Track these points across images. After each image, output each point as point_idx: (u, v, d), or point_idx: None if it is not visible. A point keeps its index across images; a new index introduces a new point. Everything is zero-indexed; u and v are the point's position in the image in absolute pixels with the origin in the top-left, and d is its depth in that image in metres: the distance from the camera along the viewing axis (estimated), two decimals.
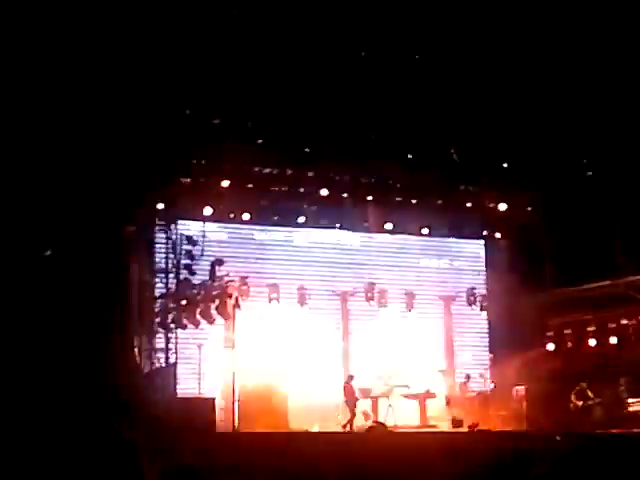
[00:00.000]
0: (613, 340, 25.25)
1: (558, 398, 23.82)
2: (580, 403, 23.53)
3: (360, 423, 22.72)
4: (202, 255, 21.93)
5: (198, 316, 21.94)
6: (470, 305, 26.81)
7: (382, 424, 22.06)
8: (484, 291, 27.15)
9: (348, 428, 22.12)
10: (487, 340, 27.32)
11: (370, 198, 24.65)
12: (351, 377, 23.41)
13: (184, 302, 21.72)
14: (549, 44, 19.56)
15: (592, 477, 10.93)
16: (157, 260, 21.77)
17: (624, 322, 25.50)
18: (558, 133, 22.07)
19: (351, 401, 22.76)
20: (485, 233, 27.39)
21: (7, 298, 17.80)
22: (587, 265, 24.49)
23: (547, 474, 11.48)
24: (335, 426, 22.40)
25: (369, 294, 25.22)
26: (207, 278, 22.31)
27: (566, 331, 25.67)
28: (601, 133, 21.92)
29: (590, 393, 23.83)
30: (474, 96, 20.65)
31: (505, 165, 23.95)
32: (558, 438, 17.59)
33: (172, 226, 21.71)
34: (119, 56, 18.21)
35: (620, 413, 23.22)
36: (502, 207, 25.90)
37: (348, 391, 23.04)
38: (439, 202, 25.36)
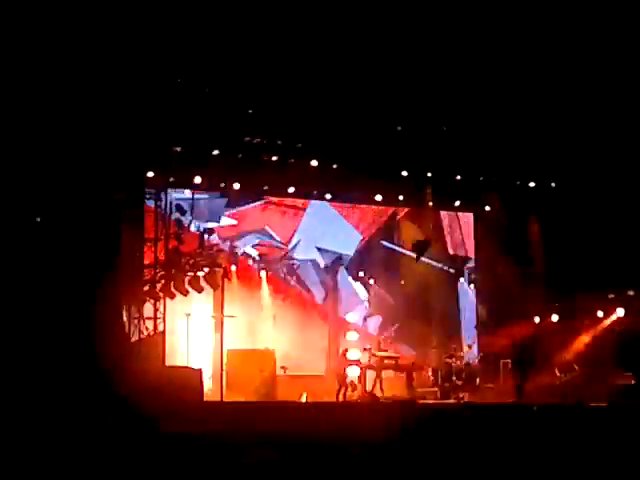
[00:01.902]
0: (600, 313, 25.35)
1: (545, 370, 24.02)
2: (563, 376, 23.70)
3: (348, 394, 22.89)
4: (191, 224, 21.89)
5: (187, 285, 21.91)
6: (458, 277, 26.85)
7: (372, 394, 22.30)
8: (472, 263, 27.22)
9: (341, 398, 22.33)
10: (475, 312, 27.41)
11: (359, 169, 24.51)
12: (346, 350, 23.53)
13: (173, 271, 21.68)
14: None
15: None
16: (146, 229, 21.66)
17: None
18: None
19: (342, 373, 22.90)
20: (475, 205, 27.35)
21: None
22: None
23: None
24: (325, 396, 22.52)
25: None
26: (196, 247, 22.28)
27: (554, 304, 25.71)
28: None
29: (576, 366, 23.98)
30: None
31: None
32: (535, 409, 17.76)
33: (162, 194, 21.62)
34: (110, 28, 18.13)
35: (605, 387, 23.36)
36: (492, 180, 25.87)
37: (341, 363, 23.18)
38: (428, 174, 25.26)
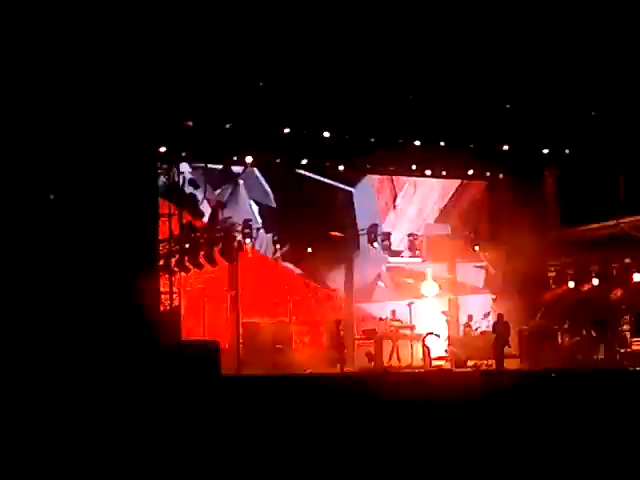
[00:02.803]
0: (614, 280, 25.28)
1: (555, 336, 24.15)
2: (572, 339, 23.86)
3: (364, 364, 23.02)
4: (205, 198, 21.91)
5: (201, 259, 21.99)
6: (472, 247, 26.78)
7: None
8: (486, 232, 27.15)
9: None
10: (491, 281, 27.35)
11: (372, 140, 24.43)
12: (339, 321, 23.59)
13: (187, 245, 21.75)
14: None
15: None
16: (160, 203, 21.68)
17: (627, 261, 25.53)
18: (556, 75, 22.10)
19: (340, 345, 22.98)
20: (488, 174, 27.23)
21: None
22: (591, 205, 24.59)
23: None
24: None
25: (372, 236, 25.10)
26: (210, 221, 22.33)
27: (568, 271, 25.65)
28: (602, 76, 21.87)
29: (584, 331, 24.07)
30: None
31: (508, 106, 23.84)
32: (553, 375, 17.82)
33: (174, 169, 21.62)
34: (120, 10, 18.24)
35: (623, 351, 23.40)
36: (505, 147, 25.71)
37: (336, 335, 23.26)
38: (442, 143, 25.13)
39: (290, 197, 24.78)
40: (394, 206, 26.72)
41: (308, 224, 24.15)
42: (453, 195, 27.39)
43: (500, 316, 23.33)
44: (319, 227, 24.46)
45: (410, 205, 27.01)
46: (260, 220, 24.28)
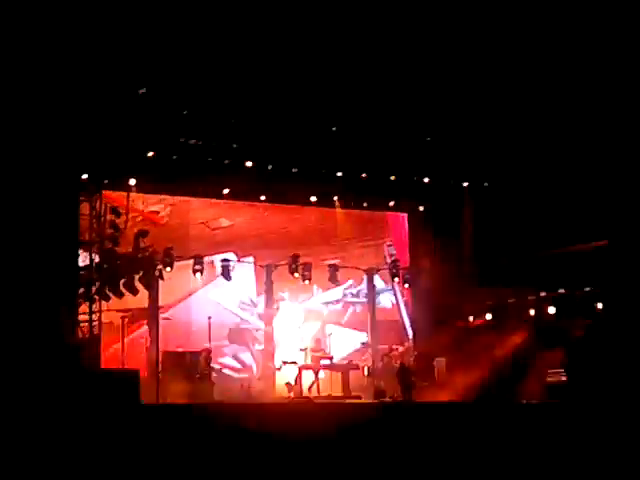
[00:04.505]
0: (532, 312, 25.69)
1: (476, 368, 24.37)
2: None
3: (285, 394, 23.05)
4: (126, 227, 21.78)
5: (122, 287, 21.86)
6: (393, 278, 27.05)
7: (307, 398, 22.45)
8: (407, 264, 27.46)
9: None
10: (409, 312, 27.67)
11: (294, 170, 24.61)
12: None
13: (108, 273, 21.60)
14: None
15: None
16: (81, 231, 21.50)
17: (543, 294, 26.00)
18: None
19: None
20: (409, 206, 27.63)
21: None
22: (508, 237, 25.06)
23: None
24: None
25: (293, 266, 25.24)
26: (131, 250, 22.21)
27: (488, 302, 26.03)
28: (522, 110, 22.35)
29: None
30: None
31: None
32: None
33: (96, 197, 21.48)
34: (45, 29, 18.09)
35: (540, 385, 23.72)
36: (425, 180, 26.08)
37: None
38: (363, 175, 25.41)
39: None
40: None
41: None
42: None
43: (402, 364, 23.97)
44: None
45: None
46: None
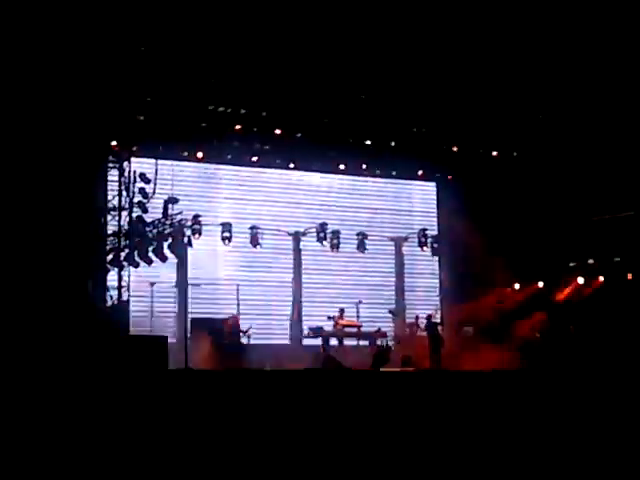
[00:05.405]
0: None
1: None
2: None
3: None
4: (155, 193, 21.82)
5: (150, 254, 21.95)
6: (421, 247, 27.01)
7: (334, 359, 22.47)
8: (435, 232, 27.39)
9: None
10: (438, 281, 27.64)
11: (323, 138, 24.56)
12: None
13: (137, 240, 21.68)
14: None
15: None
16: (110, 198, 21.59)
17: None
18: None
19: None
20: (438, 175, 27.58)
21: None
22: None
23: None
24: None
25: (321, 234, 25.26)
26: (160, 216, 22.27)
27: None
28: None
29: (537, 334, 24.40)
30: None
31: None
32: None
33: (125, 163, 21.54)
34: None
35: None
36: (454, 148, 25.97)
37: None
38: (392, 143, 25.34)
39: None
40: None
41: None
42: None
43: (429, 317, 23.77)
44: None
45: None
46: None
